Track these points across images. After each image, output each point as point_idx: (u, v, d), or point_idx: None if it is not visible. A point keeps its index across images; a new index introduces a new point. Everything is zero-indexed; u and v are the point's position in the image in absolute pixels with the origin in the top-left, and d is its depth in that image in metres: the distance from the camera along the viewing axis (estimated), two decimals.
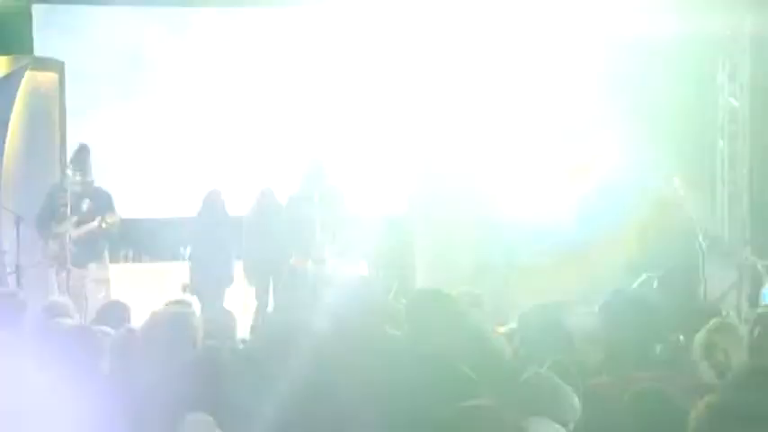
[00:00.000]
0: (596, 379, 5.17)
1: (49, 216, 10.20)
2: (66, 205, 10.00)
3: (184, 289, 11.09)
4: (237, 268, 11.55)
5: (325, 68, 13.48)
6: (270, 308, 11.03)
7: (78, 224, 10.05)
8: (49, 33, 12.96)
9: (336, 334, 5.14)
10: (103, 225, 10.02)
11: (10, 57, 12.52)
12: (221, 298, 10.84)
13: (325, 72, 13.49)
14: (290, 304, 8.80)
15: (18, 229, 10.33)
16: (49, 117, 12.58)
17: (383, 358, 4.87)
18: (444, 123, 12.97)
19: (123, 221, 10.66)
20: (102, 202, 10.19)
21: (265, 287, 11.37)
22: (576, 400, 4.52)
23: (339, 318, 5.35)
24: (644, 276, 10.45)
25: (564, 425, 4.41)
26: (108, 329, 6.03)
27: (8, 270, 10.62)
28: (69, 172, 10.10)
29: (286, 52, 13.45)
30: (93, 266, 10.21)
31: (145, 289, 10.92)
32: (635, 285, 10.15)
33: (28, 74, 12.27)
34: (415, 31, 13.23)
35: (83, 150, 10.34)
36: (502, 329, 6.75)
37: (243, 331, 7.91)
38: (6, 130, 11.87)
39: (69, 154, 11.32)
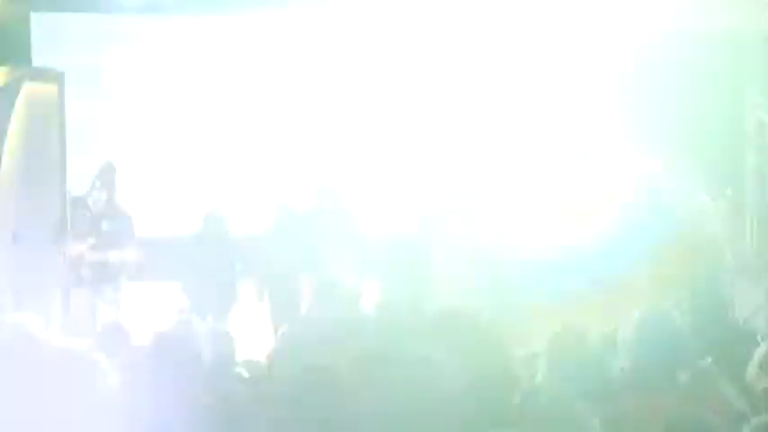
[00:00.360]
0: (621, 404, 5.10)
1: (66, 229, 9.72)
2: (86, 224, 9.56)
3: (181, 312, 10.69)
4: (242, 288, 11.23)
5: (337, 83, 13.26)
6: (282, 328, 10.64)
7: (95, 247, 9.58)
8: (48, 43, 12.71)
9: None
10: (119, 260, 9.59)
11: (7, 67, 12.21)
12: (224, 319, 10.46)
13: (336, 87, 13.26)
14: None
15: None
16: (48, 130, 12.23)
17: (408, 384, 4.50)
18: (459, 140, 12.72)
19: None
20: (123, 226, 9.75)
21: (276, 305, 11.02)
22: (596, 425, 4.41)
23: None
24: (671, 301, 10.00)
25: None
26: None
27: (6, 291, 10.17)
28: (96, 190, 9.62)
29: (296, 64, 13.25)
30: (106, 288, 9.75)
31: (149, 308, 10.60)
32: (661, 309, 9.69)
33: (26, 85, 11.93)
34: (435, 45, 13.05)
35: (110, 168, 9.91)
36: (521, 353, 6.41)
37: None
38: (3, 143, 11.50)
39: (68, 168, 10.98)
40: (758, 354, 5.45)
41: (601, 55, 12.65)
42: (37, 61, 12.62)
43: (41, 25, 12.77)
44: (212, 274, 10.71)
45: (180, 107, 13.06)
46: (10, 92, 11.83)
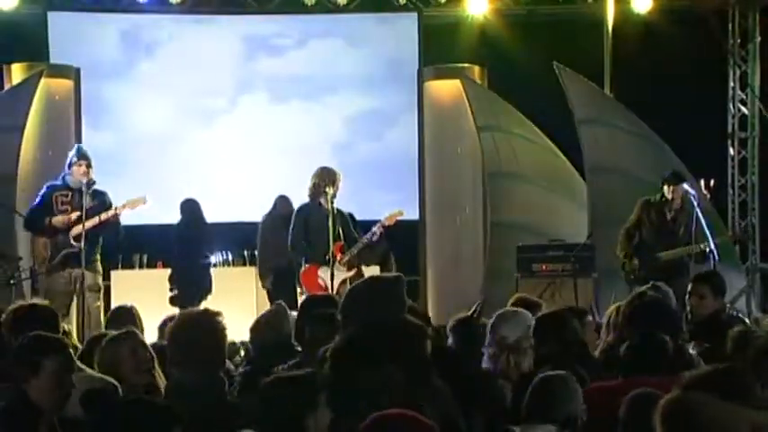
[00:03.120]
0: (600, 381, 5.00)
1: (46, 214, 9.68)
2: (68, 203, 9.53)
3: (172, 301, 10.77)
4: (221, 275, 11.31)
5: (337, 74, 13.32)
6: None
7: (80, 220, 9.49)
8: (65, 40, 12.79)
9: None
10: (118, 211, 9.48)
11: (26, 63, 12.37)
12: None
13: (335, 78, 13.31)
14: None
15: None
16: (65, 123, 12.40)
17: None
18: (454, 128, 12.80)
19: (138, 227, 10.35)
20: (103, 199, 9.68)
21: (278, 291, 11.08)
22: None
23: None
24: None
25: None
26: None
27: (23, 275, 10.29)
28: (77, 168, 9.55)
29: (297, 57, 13.29)
30: (87, 273, 9.63)
31: (157, 294, 10.66)
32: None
33: (43, 80, 12.11)
34: None
35: (84, 149, 9.89)
36: None
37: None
38: (22, 135, 11.67)
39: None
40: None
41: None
42: (54, 58, 12.70)
43: (58, 23, 12.80)
44: (189, 264, 10.80)
45: (194, 100, 13.08)
46: (29, 87, 11.98)
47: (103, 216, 9.35)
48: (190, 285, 10.72)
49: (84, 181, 9.35)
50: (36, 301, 6.31)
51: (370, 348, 4.02)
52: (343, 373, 4.05)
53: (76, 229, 9.32)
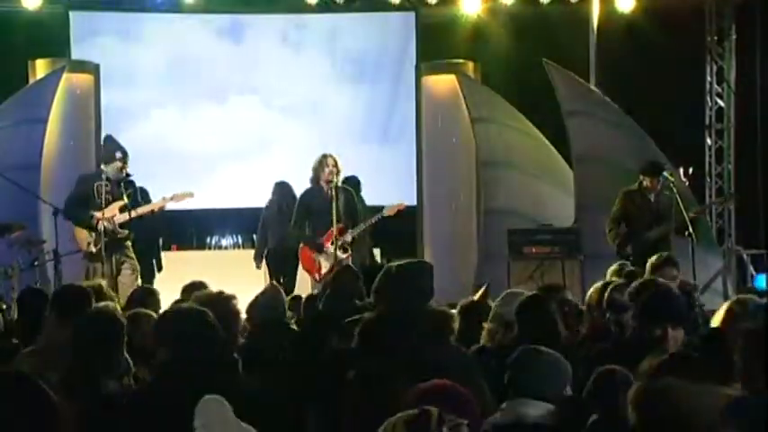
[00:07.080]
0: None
1: (87, 204, 9.81)
2: (109, 193, 9.69)
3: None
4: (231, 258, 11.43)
5: (339, 66, 13.34)
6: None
7: (123, 209, 9.69)
8: (86, 38, 12.82)
9: None
10: (164, 203, 9.70)
11: (49, 59, 12.42)
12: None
13: (337, 69, 13.33)
14: None
15: (56, 221, 10.08)
16: (85, 116, 12.47)
17: None
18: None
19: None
20: (135, 188, 9.88)
21: (283, 276, 11.11)
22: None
23: None
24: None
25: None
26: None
27: (47, 258, 10.33)
28: (119, 162, 9.72)
29: (303, 52, 13.30)
30: (125, 257, 9.78)
31: (172, 275, 10.68)
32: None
33: (65, 75, 12.18)
34: None
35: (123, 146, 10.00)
36: None
37: None
38: (45, 128, 11.72)
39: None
40: None
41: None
42: (75, 54, 12.73)
43: (79, 21, 12.83)
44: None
45: (207, 94, 13.09)
46: (52, 81, 12.03)
47: (152, 207, 9.67)
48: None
49: (123, 174, 9.64)
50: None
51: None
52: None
53: (119, 218, 9.57)
